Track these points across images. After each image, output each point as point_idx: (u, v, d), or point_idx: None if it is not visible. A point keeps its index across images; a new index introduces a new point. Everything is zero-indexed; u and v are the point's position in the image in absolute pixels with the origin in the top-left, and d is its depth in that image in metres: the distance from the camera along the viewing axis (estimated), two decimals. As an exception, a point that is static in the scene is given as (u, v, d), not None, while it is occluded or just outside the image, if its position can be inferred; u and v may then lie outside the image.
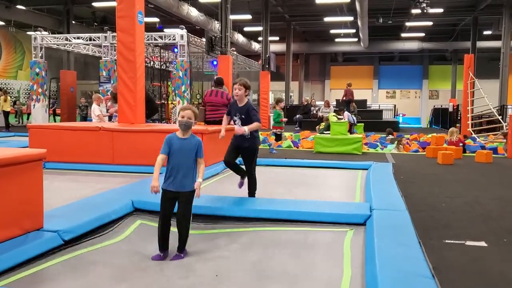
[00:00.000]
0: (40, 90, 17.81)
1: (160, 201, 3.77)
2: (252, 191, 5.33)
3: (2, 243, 3.32)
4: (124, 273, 3.27)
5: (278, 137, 11.08)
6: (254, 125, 4.96)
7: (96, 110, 10.84)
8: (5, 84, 24.19)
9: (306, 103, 22.06)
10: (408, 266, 3.08)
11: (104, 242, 3.90)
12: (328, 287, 3.00)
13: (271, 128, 17.53)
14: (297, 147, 12.31)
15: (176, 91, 16.61)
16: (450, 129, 12.10)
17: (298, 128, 19.35)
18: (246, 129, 4.85)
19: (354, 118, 15.14)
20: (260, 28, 23.01)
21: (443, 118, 23.43)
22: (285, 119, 11.47)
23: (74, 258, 3.52)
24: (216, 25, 21.57)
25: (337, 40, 31.23)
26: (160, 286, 3.03)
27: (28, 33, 23.86)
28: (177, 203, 3.76)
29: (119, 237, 4.07)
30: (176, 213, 3.75)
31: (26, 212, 3.60)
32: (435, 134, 12.41)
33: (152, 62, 17.88)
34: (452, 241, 3.83)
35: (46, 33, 19.19)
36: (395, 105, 31.14)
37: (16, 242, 3.38)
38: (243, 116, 5.00)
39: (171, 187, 3.73)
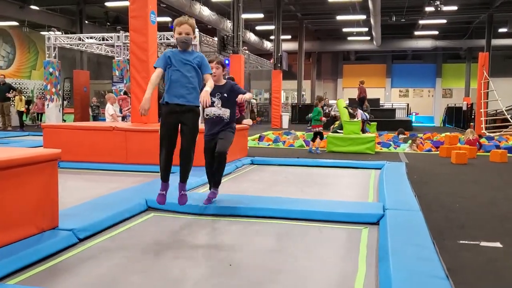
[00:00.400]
0: (53, 90, 17.98)
1: (160, 124, 3.67)
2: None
3: (19, 241, 3.37)
4: (137, 262, 3.30)
5: (321, 136, 10.57)
6: (248, 94, 4.56)
7: (110, 109, 10.92)
8: (19, 84, 24.45)
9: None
10: (422, 266, 3.06)
11: (118, 230, 3.96)
12: (341, 283, 2.99)
13: (310, 127, 17.35)
14: (309, 146, 12.28)
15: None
16: (467, 130, 12.05)
17: (310, 127, 19.30)
18: (247, 96, 4.46)
19: (367, 115, 15.06)
20: (272, 27, 22.99)
21: (457, 117, 23.22)
22: (324, 118, 11.11)
23: (88, 249, 3.58)
24: (228, 24, 21.61)
25: (349, 38, 31.10)
26: (174, 275, 3.05)
27: (42, 33, 24.10)
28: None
29: (132, 224, 4.11)
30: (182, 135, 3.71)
31: (42, 211, 3.64)
32: (448, 133, 12.31)
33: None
34: (467, 242, 3.79)
35: (60, 33, 19.38)
36: (408, 104, 30.94)
37: (32, 241, 3.42)
38: (225, 95, 4.52)
39: (175, 100, 3.61)
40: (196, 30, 4.08)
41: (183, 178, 4.11)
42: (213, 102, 4.37)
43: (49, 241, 3.48)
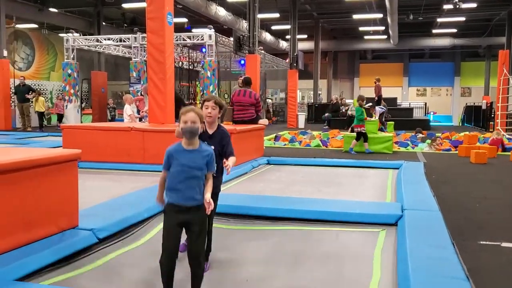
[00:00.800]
0: (72, 91, 18.23)
1: (163, 227, 2.89)
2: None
3: (40, 241, 3.42)
4: (156, 262, 3.31)
5: (365, 137, 10.20)
6: (232, 161, 3.42)
7: (127, 110, 11.02)
8: (38, 85, 24.79)
9: (335, 101, 21.90)
10: (441, 267, 3.03)
11: (134, 243, 3.97)
12: (359, 284, 2.98)
13: (327, 126, 17.32)
14: (326, 146, 12.24)
15: (204, 91, 16.73)
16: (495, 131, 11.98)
17: (327, 127, 19.24)
18: (231, 162, 3.35)
19: (383, 107, 14.97)
20: (288, 27, 22.94)
21: (476, 116, 22.91)
22: (368, 118, 10.98)
23: (107, 249, 3.63)
24: (244, 24, 21.64)
25: (366, 37, 30.89)
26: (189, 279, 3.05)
27: (60, 35, 24.40)
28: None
29: (149, 235, 4.13)
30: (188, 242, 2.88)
31: (62, 211, 3.69)
32: (467, 133, 12.15)
33: (180, 62, 18.06)
34: (487, 243, 3.75)
35: (78, 34, 19.62)
36: (425, 103, 30.62)
37: (53, 240, 3.47)
38: (212, 147, 3.13)
39: (177, 200, 2.85)
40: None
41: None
42: None
43: (69, 240, 3.53)
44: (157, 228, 4.20)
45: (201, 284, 2.81)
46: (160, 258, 2.74)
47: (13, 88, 17.78)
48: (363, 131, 10.21)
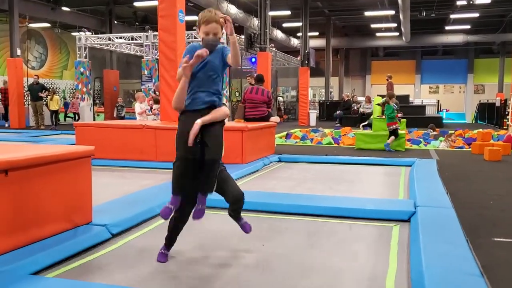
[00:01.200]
0: (84, 89, 18.35)
1: (176, 140, 3.05)
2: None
3: (54, 236, 3.46)
4: (169, 258, 3.33)
5: (396, 133, 10.20)
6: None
7: (138, 108, 11.07)
8: (51, 83, 25.01)
9: (346, 99, 21.82)
10: (455, 264, 3.01)
11: (150, 226, 4.01)
12: (372, 281, 2.97)
13: (339, 124, 17.24)
14: (338, 144, 12.20)
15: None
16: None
17: (338, 125, 19.18)
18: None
19: (395, 105, 14.93)
20: (299, 24, 22.88)
21: (490, 114, 22.66)
22: (400, 114, 11.07)
23: (120, 245, 3.66)
24: (255, 21, 21.61)
25: (378, 34, 30.70)
26: (205, 272, 3.06)
27: (73, 33, 24.61)
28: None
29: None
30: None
31: (76, 207, 3.73)
32: (481, 130, 12.02)
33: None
34: (502, 240, 3.71)
35: (90, 33, 19.76)
36: (438, 101, 30.36)
37: (66, 236, 3.51)
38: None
39: (195, 106, 3.02)
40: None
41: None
42: None
43: (83, 236, 3.56)
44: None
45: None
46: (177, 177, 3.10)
47: (26, 87, 17.93)
48: (397, 128, 10.27)
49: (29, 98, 17.50)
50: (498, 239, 3.71)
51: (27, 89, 17.70)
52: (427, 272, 2.82)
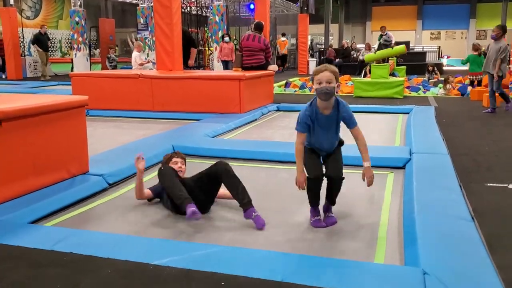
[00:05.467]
0: (80, 39, 18.03)
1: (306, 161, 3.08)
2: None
3: (52, 185, 3.50)
4: (165, 216, 3.38)
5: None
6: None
7: (137, 58, 10.91)
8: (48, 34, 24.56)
9: (346, 46, 21.49)
10: (447, 209, 3.06)
11: (147, 176, 4.06)
12: (364, 230, 3.02)
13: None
14: (337, 92, 12.12)
15: (213, 37, 16.47)
16: None
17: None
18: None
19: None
20: (298, -31, 22.22)
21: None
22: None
23: (117, 194, 3.71)
24: (253, -34, 20.97)
25: (379, -21, 29.86)
26: (199, 224, 3.12)
27: (66, -19, 23.93)
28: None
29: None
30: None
31: (72, 157, 3.76)
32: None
33: (188, 7, 17.68)
34: (494, 185, 3.75)
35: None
36: (439, 47, 29.91)
37: (64, 185, 3.56)
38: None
39: (322, 152, 3.14)
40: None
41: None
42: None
43: (80, 185, 3.61)
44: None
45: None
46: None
47: (32, 37, 17.49)
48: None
49: (38, 48, 17.04)
50: (491, 184, 3.76)
51: (33, 39, 17.31)
52: (418, 218, 2.87)
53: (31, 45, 17.79)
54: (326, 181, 3.14)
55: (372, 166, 4.39)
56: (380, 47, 15.86)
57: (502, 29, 7.55)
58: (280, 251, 2.57)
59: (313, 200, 3.13)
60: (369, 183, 3.03)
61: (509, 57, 7.40)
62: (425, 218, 2.85)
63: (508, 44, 7.45)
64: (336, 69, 3.04)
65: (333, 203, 3.23)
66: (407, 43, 22.73)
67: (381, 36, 16.33)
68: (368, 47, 18.13)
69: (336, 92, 2.97)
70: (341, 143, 3.26)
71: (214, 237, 2.87)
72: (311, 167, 3.08)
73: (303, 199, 3.21)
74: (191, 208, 2.86)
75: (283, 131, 6.57)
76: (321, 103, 3.01)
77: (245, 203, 3.08)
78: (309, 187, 3.06)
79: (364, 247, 2.75)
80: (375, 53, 14.44)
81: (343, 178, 3.15)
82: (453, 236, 2.63)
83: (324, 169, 3.14)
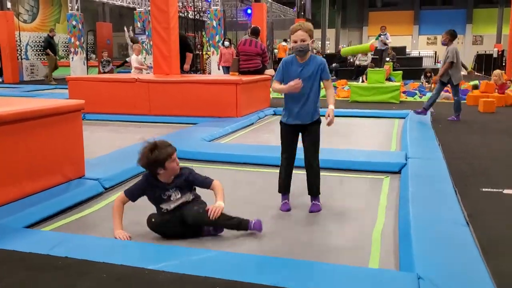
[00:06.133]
0: (77, 43, 18.03)
1: (280, 138, 3.52)
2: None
3: (47, 190, 3.50)
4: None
5: None
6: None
7: (134, 62, 10.88)
8: (43, 37, 24.54)
9: (342, 51, 21.52)
10: (442, 213, 3.07)
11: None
12: (359, 233, 3.03)
13: (334, 77, 16.96)
14: (312, 49, 12.14)
15: (210, 41, 16.50)
16: (495, 71, 11.11)
17: (334, 77, 19.02)
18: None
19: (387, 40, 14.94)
20: (295, -26, 22.32)
21: (487, 65, 22.48)
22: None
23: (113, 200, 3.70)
24: (250, -29, 21.06)
25: (376, -16, 30.01)
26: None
27: (64, -15, 23.95)
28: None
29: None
30: (305, 152, 3.50)
31: (68, 161, 3.75)
32: (486, 81, 11.85)
33: (185, 12, 17.70)
34: (489, 190, 3.77)
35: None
36: (435, 52, 30.04)
37: (60, 189, 3.55)
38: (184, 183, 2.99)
39: (293, 121, 3.46)
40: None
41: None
42: (169, 197, 2.92)
43: (76, 190, 3.61)
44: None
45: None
46: (281, 164, 3.55)
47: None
48: None
49: (50, 52, 16.97)
50: (486, 189, 3.77)
51: (45, 44, 17.27)
52: (413, 222, 2.88)
53: (43, 49, 17.75)
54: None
55: (368, 171, 4.45)
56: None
57: (450, 35, 7.44)
58: (275, 255, 2.57)
59: (281, 185, 3.52)
60: (329, 123, 3.43)
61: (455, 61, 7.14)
62: (420, 223, 2.86)
63: (455, 48, 7.30)
64: (311, 27, 3.34)
65: (313, 192, 3.48)
66: (403, 48, 22.87)
67: (379, 35, 15.99)
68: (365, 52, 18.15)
69: (311, 49, 3.33)
70: (319, 121, 3.58)
71: (209, 242, 2.88)
72: (282, 145, 3.55)
73: (300, 203, 3.21)
74: (255, 222, 2.95)
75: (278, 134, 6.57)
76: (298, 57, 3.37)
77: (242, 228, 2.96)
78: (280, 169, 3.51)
79: (358, 251, 2.75)
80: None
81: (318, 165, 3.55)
82: (448, 241, 2.64)
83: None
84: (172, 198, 2.94)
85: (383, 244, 2.85)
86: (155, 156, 2.84)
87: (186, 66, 9.44)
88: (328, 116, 3.41)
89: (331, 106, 3.49)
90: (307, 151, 3.54)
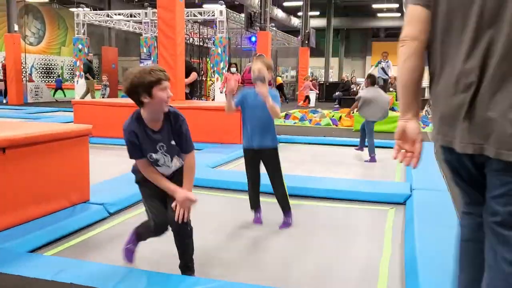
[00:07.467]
0: (82, 66, 18.21)
1: (244, 163, 3.82)
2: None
3: (52, 214, 3.48)
4: (166, 237, 3.35)
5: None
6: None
7: None
8: (49, 60, 24.83)
9: (345, 80, 21.71)
10: (449, 247, 3.04)
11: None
12: (366, 264, 3.01)
13: (338, 105, 16.90)
14: (336, 125, 12.19)
15: (215, 68, 16.66)
16: None
17: (337, 106, 19.11)
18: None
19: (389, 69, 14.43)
20: (300, 3, 22.67)
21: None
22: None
23: (118, 224, 3.68)
24: (256, 0, 21.41)
25: (379, 15, 30.43)
26: (201, 251, 3.10)
27: (71, 9, 24.33)
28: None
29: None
30: (268, 175, 3.77)
31: (74, 185, 3.75)
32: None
33: (191, 38, 17.94)
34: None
35: (88, 9, 19.54)
36: (437, 83, 30.21)
37: (64, 214, 3.54)
38: (171, 143, 2.56)
39: (251, 145, 3.68)
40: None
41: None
42: (157, 161, 2.55)
43: (81, 214, 3.60)
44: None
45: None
46: (248, 186, 3.86)
47: (84, 64, 17.58)
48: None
49: (90, 76, 17.13)
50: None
51: (86, 68, 17.44)
52: (420, 256, 2.85)
53: (83, 74, 17.84)
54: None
55: (373, 201, 4.44)
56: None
57: (371, 81, 7.40)
58: (280, 285, 2.55)
59: (251, 203, 3.84)
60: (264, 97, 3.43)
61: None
62: (427, 257, 2.84)
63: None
64: (270, 62, 3.62)
65: (282, 207, 3.79)
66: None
67: (379, 62, 14.89)
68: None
69: (269, 82, 3.50)
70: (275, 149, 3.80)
71: (216, 271, 2.85)
72: (247, 172, 3.84)
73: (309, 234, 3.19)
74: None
75: (282, 163, 6.54)
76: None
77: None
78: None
79: (365, 283, 2.73)
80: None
81: (283, 185, 3.78)
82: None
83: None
84: (161, 162, 2.53)
85: (390, 277, 2.82)
86: (141, 78, 2.33)
87: (187, 80, 9.42)
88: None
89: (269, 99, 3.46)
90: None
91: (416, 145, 1.72)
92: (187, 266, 2.65)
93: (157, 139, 2.48)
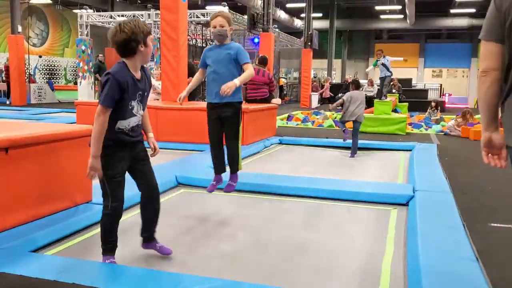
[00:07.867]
0: (86, 67, 18.26)
1: (207, 120, 3.84)
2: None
3: (55, 214, 3.49)
4: (167, 237, 3.35)
5: None
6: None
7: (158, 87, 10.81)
8: (52, 61, 24.88)
9: (348, 81, 21.71)
10: (451, 248, 3.04)
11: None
12: (368, 263, 3.01)
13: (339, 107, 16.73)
14: (339, 127, 12.19)
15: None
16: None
17: (340, 108, 19.11)
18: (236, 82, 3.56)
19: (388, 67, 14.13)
20: (303, 4, 22.66)
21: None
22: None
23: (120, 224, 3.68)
24: (259, 1, 21.41)
25: (382, 17, 30.42)
26: (203, 251, 3.11)
27: (74, 11, 24.38)
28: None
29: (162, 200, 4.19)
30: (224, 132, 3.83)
31: (77, 186, 3.76)
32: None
33: (194, 40, 17.96)
34: (499, 225, 3.74)
35: (91, 11, 19.58)
36: (441, 85, 30.22)
37: (67, 214, 3.54)
38: (146, 94, 2.84)
39: (215, 99, 3.70)
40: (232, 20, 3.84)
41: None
42: (132, 109, 2.73)
43: (83, 214, 3.60)
44: (166, 198, 4.26)
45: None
46: (210, 147, 3.92)
47: (94, 65, 17.73)
48: None
49: (98, 77, 17.28)
50: (495, 225, 3.74)
51: (95, 68, 17.53)
52: (422, 256, 2.85)
53: (92, 74, 18.04)
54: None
55: (375, 202, 4.45)
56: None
57: (355, 85, 7.95)
58: (280, 285, 2.54)
59: (214, 166, 3.93)
60: (222, 90, 3.53)
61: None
62: (429, 257, 2.83)
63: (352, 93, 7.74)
64: (229, 15, 3.68)
65: (231, 169, 3.91)
66: (409, 80, 23.05)
67: (377, 61, 14.20)
68: (371, 83, 18.32)
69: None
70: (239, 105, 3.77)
71: (216, 269, 2.85)
72: (209, 131, 3.85)
73: (306, 234, 3.20)
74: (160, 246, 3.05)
75: (285, 164, 6.58)
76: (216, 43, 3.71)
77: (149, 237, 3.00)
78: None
79: (367, 283, 2.72)
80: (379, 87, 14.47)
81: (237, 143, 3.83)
82: (458, 276, 2.61)
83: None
84: (135, 111, 2.65)
85: (392, 277, 2.82)
86: (140, 27, 2.50)
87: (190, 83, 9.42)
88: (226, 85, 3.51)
89: (236, 80, 3.56)
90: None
91: (502, 150, 2.08)
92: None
93: (141, 87, 2.68)
